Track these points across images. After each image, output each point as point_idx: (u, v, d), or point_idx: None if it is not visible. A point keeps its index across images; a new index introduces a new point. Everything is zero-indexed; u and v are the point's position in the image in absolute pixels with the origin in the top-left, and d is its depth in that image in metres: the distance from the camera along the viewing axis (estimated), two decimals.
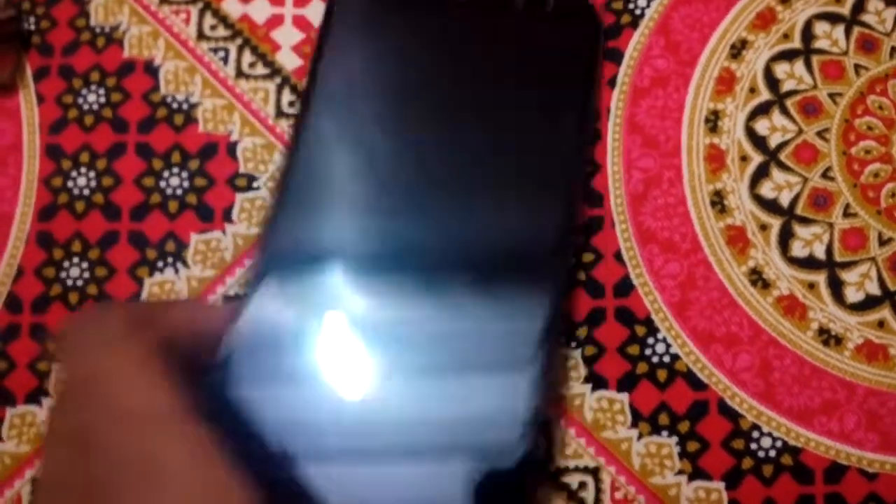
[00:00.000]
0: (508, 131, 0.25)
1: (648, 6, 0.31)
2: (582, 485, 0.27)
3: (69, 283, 0.30)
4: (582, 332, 0.28)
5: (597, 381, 0.28)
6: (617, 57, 0.31)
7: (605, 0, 0.31)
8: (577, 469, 0.27)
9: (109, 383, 0.17)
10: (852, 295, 0.28)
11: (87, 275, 0.30)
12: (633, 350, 0.28)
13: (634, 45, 0.31)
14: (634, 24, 0.31)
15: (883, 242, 0.29)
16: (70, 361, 0.18)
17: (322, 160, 0.24)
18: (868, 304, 0.28)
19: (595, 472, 0.27)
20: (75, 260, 0.30)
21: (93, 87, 0.32)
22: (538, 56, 0.26)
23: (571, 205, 0.25)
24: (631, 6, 0.31)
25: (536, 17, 0.26)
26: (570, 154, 0.25)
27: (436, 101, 0.25)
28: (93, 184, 0.31)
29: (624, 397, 0.28)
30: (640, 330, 0.28)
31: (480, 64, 0.26)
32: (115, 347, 0.17)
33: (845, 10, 0.31)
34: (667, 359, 0.28)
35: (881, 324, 0.28)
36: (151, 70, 0.32)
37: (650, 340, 0.28)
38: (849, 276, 0.28)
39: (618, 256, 0.29)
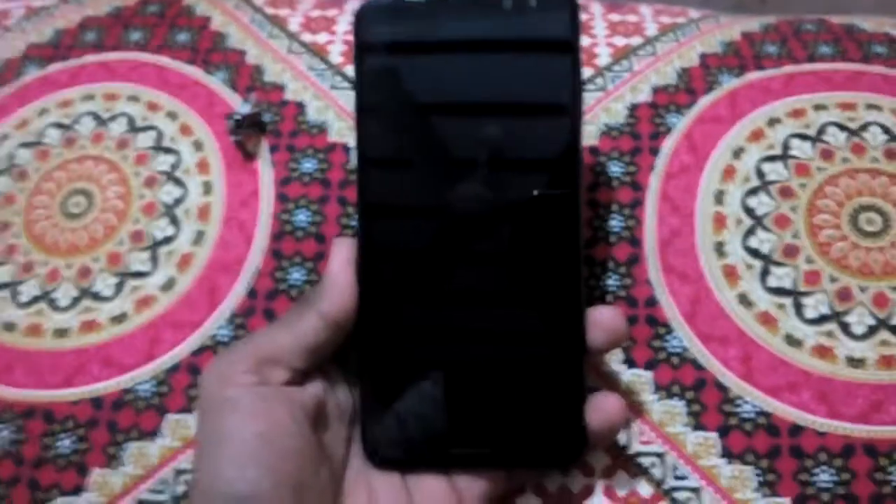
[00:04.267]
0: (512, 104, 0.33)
1: (678, 122, 0.47)
2: None
3: (291, 282, 0.46)
4: None
5: (630, 363, 0.42)
6: (656, 152, 0.46)
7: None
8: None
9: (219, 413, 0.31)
10: (809, 313, 0.42)
11: (304, 278, 0.46)
12: (657, 343, 0.42)
13: (668, 145, 0.46)
14: (668, 132, 0.47)
15: (832, 280, 0.42)
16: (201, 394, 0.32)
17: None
18: (820, 319, 0.42)
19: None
20: (297, 268, 0.46)
21: (308, 158, 0.49)
22: (528, 46, 0.32)
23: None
24: (667, 120, 0.47)
25: (522, 12, 0.31)
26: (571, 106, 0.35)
27: (456, 101, 0.33)
28: (308, 219, 0.47)
29: (649, 374, 0.42)
30: (661, 330, 0.42)
31: (484, 63, 0.32)
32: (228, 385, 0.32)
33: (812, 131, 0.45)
34: (679, 350, 0.42)
35: (829, 334, 0.41)
36: (346, 149, 0.49)
37: (668, 337, 0.42)
38: (807, 301, 0.42)
39: (647, 281, 0.43)
